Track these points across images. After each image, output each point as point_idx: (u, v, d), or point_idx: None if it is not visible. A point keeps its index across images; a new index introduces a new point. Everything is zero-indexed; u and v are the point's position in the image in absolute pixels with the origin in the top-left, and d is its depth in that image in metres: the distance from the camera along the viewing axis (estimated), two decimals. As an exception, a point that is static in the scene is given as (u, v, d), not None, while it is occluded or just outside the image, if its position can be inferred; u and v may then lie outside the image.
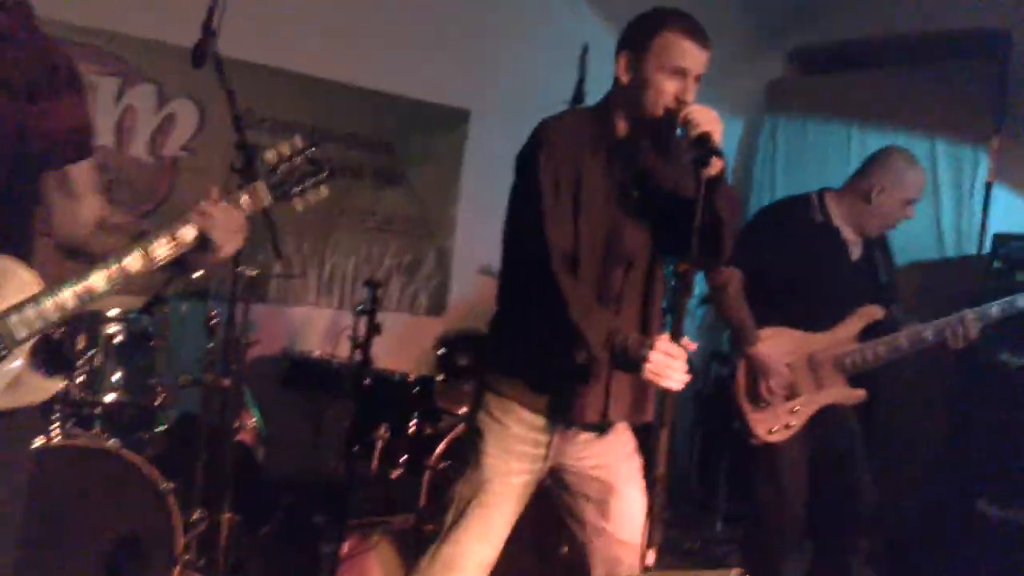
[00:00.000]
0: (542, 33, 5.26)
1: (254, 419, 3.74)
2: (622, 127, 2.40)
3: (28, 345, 1.70)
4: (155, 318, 3.38)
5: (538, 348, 2.43)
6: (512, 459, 2.45)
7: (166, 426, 3.48)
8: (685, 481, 5.60)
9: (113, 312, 3.25)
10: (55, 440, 2.86)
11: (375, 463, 3.98)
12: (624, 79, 2.37)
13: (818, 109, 5.69)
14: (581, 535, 2.59)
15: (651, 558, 2.24)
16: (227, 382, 3.29)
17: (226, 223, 1.84)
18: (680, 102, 2.27)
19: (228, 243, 1.86)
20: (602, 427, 2.52)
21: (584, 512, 2.56)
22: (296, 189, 1.97)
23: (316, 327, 4.91)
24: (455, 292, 5.38)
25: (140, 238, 1.81)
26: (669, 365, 2.18)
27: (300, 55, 4.63)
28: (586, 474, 2.55)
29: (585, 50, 4.31)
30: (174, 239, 1.81)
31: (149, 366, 3.31)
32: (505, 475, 2.45)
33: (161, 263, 1.82)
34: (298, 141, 1.99)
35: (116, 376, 3.20)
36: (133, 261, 1.78)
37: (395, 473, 4.01)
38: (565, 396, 2.42)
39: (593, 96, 2.63)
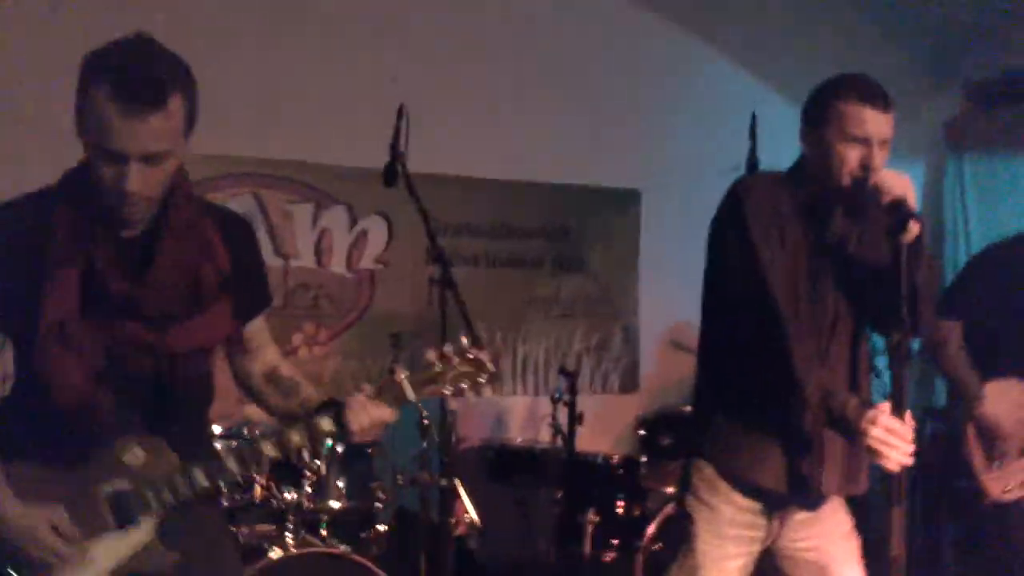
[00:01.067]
0: (707, 104, 5.30)
1: (469, 512, 3.85)
2: (813, 194, 2.35)
3: (156, 519, 1.81)
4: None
5: (749, 419, 2.36)
6: (727, 544, 2.40)
7: (386, 526, 3.63)
8: (908, 546, 5.32)
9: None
10: (291, 550, 3.06)
11: (587, 547, 4.01)
12: (809, 152, 2.35)
13: (1005, 143, 5.43)
14: None
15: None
16: (443, 480, 3.40)
17: (363, 417, 1.87)
18: (866, 169, 2.22)
19: (363, 435, 1.89)
20: (817, 503, 2.43)
21: None
22: (449, 387, 1.93)
23: (515, 416, 5.03)
24: (645, 368, 5.40)
25: (279, 429, 1.90)
26: (892, 440, 2.08)
27: (475, 160, 4.86)
28: (800, 557, 2.46)
29: (754, 118, 4.30)
30: (312, 430, 1.89)
31: (368, 470, 3.50)
32: (719, 560, 2.40)
33: (297, 450, 1.91)
34: (464, 341, 1.96)
35: (340, 483, 3.39)
36: (269, 449, 1.88)
37: (608, 556, 4.02)
38: (779, 471, 2.34)
39: (765, 164, 2.64)
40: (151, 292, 1.78)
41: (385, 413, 1.89)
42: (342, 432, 1.89)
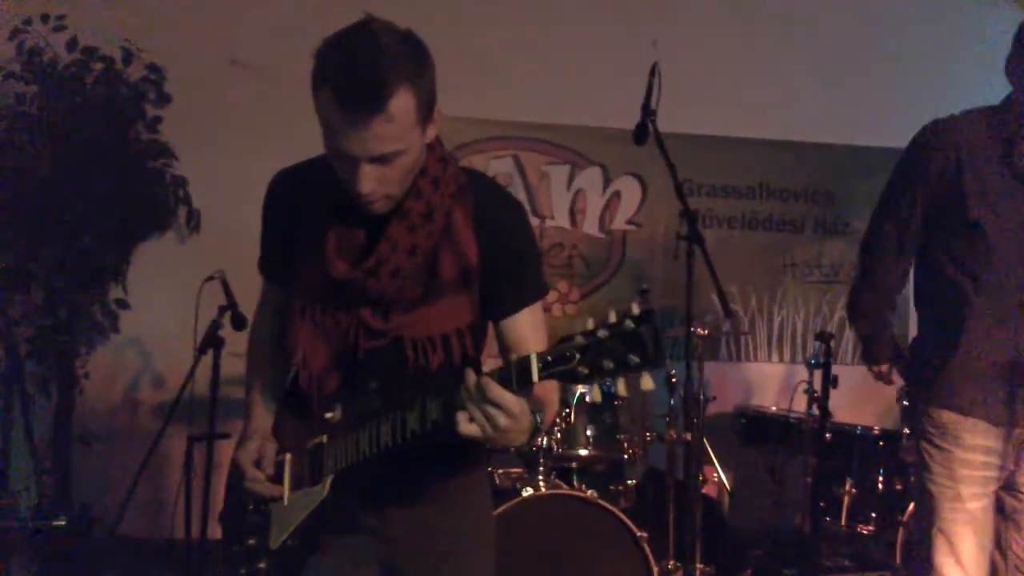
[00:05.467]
0: (972, 53, 4.92)
1: (716, 473, 3.83)
2: (1011, 124, 2.33)
3: (332, 476, 1.75)
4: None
5: (960, 356, 2.34)
6: (960, 485, 2.33)
7: (635, 481, 3.68)
8: None
9: (583, 375, 3.52)
10: (542, 489, 3.17)
11: (843, 519, 3.88)
12: (1014, 83, 2.35)
13: None
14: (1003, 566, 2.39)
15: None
16: (689, 436, 3.42)
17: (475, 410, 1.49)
18: None
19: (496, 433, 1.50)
20: None
21: (1010, 543, 2.38)
22: (585, 368, 1.40)
23: (769, 382, 4.93)
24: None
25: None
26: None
27: (734, 120, 4.78)
28: None
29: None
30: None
31: (615, 423, 3.55)
32: (953, 500, 2.34)
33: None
34: (634, 308, 1.41)
35: (588, 432, 3.47)
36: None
37: (866, 530, 3.87)
38: (1000, 401, 2.29)
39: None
40: (374, 278, 1.69)
41: (505, 398, 1.46)
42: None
